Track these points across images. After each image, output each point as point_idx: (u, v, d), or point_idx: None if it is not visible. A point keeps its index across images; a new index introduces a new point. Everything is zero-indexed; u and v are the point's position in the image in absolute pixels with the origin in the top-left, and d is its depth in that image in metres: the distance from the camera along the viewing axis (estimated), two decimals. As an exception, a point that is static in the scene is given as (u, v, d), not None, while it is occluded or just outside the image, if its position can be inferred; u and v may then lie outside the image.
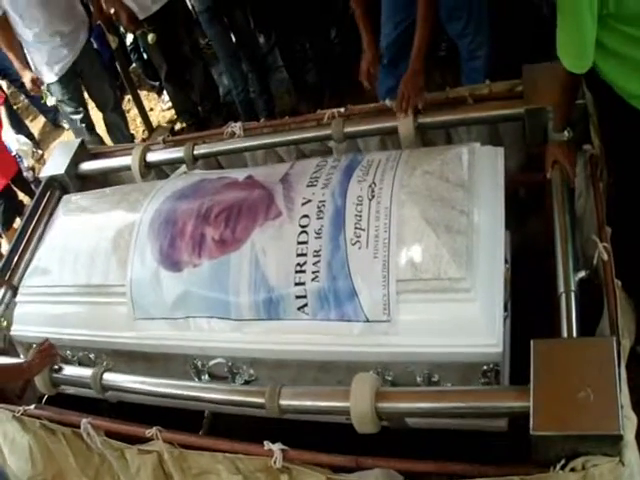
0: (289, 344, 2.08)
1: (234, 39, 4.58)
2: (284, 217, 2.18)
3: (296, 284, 2.05)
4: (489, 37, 3.41)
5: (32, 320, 2.60)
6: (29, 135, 5.57)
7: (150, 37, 4.50)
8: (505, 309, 1.90)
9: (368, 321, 1.94)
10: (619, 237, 1.97)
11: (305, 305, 2.04)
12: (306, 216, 2.13)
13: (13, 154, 4.58)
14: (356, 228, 2.03)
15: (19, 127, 5.27)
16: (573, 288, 1.84)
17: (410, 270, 1.90)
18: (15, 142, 4.54)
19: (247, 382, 2.26)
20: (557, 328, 1.81)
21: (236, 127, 2.89)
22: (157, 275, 2.33)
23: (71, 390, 2.59)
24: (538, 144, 2.33)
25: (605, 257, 1.86)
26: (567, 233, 1.96)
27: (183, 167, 2.95)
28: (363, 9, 3.08)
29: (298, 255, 2.08)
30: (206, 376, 2.33)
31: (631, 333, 1.93)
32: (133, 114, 5.43)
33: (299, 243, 2.09)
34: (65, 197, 2.98)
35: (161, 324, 2.32)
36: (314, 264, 2.04)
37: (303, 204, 2.17)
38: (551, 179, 2.16)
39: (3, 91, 4.98)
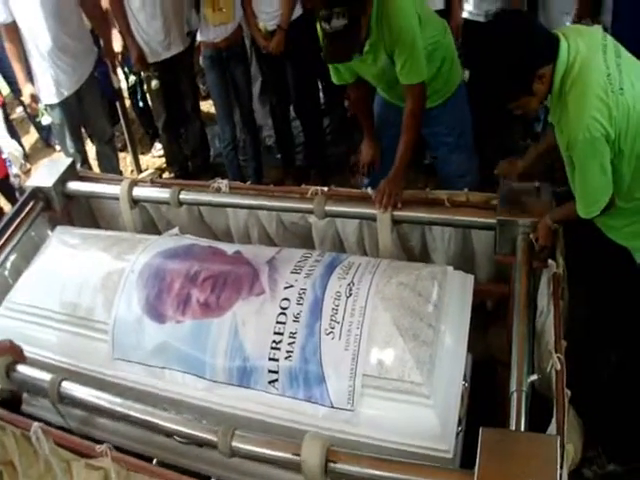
0: (256, 413, 2.25)
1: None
2: (267, 295, 2.39)
3: (270, 359, 2.26)
4: (476, 163, 3.50)
5: (11, 335, 2.63)
6: (20, 146, 5.53)
7: (154, 83, 4.57)
8: (459, 424, 2.09)
9: (333, 407, 2.14)
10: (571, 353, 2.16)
11: (276, 380, 2.24)
12: (287, 299, 2.35)
13: (4, 157, 4.62)
14: (331, 320, 2.24)
15: (11, 135, 5.27)
16: (524, 388, 1.99)
17: (376, 367, 2.12)
18: (8, 145, 4.57)
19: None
20: (506, 421, 1.93)
21: (223, 183, 3.04)
22: (141, 321, 2.50)
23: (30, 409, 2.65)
24: (506, 254, 2.52)
25: (558, 367, 2.01)
26: (524, 340, 2.13)
27: (176, 229, 3.08)
28: (363, 111, 3.34)
29: (275, 333, 2.28)
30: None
31: (577, 449, 2.07)
32: (123, 154, 5.46)
33: (277, 322, 2.30)
34: (60, 228, 3.12)
35: (137, 368, 2.48)
36: (289, 344, 2.25)
37: (285, 288, 2.39)
38: (513, 293, 2.33)
39: (1, 96, 5.00)
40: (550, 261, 2.36)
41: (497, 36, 2.20)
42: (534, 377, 2.04)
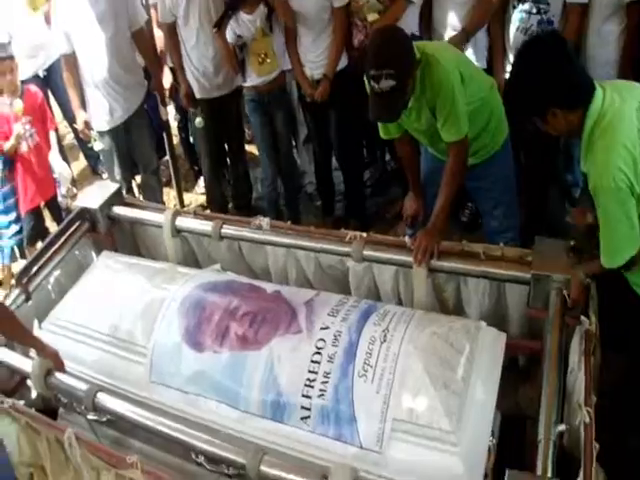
0: (286, 448, 2.33)
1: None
2: (303, 335, 2.50)
3: (303, 396, 2.35)
4: (518, 221, 3.51)
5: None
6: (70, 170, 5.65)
7: (197, 120, 4.62)
8: (485, 477, 2.13)
9: (362, 447, 2.22)
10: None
11: (308, 417, 2.33)
12: (323, 340, 2.45)
13: (55, 176, 4.72)
14: (365, 363, 2.34)
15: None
16: (552, 437, 2.02)
17: (406, 412, 2.20)
18: (59, 166, 4.66)
19: (238, 475, 2.32)
20: (533, 471, 1.97)
21: (264, 221, 3.12)
22: (179, 348, 2.62)
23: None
24: (539, 309, 2.56)
25: (587, 420, 2.04)
26: (554, 392, 2.16)
27: (218, 265, 3.20)
28: (409, 165, 3.42)
29: (309, 372, 2.38)
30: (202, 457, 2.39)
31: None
32: (167, 189, 5.45)
33: (312, 362, 2.40)
34: (105, 252, 3.27)
35: (173, 393, 2.59)
36: (322, 383, 2.34)
37: (322, 329, 2.50)
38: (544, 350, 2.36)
39: (56, 121, 5.14)
40: (582, 317, 2.39)
41: (530, 54, 2.31)
42: (562, 427, 2.07)
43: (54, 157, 4.63)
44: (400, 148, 3.39)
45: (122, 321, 2.78)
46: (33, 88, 4.57)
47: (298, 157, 5.18)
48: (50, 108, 4.91)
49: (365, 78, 2.82)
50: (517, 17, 3.73)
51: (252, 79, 4.35)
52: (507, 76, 3.78)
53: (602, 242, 2.28)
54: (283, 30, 4.22)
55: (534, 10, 3.64)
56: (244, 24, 4.14)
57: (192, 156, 5.56)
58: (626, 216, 2.16)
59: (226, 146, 5.01)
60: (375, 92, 2.76)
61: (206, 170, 5.03)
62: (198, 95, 4.63)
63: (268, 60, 4.26)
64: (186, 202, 5.32)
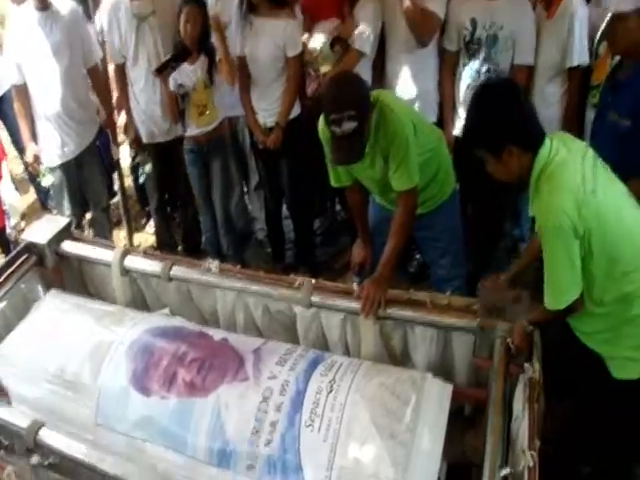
0: None
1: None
2: (250, 382, 2.52)
3: (249, 444, 2.36)
4: (465, 270, 3.57)
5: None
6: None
7: (147, 167, 4.61)
8: None
9: (308, 495, 2.24)
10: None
11: (254, 466, 2.33)
12: (270, 389, 2.47)
13: (4, 207, 4.64)
14: (312, 413, 2.37)
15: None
16: None
17: (353, 462, 2.24)
18: (10, 197, 4.59)
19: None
20: None
21: (213, 264, 3.11)
22: (126, 392, 2.61)
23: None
24: (485, 358, 2.59)
25: (531, 463, 2.05)
26: (498, 438, 2.19)
27: (167, 310, 3.19)
28: (358, 213, 3.46)
29: (256, 420, 2.40)
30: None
31: None
32: (117, 229, 5.37)
33: (259, 410, 2.42)
34: (53, 291, 3.23)
35: (119, 438, 2.57)
36: (269, 433, 2.37)
37: (269, 378, 2.52)
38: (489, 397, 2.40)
39: (5, 153, 5.07)
40: (526, 365, 2.41)
41: (489, 92, 2.41)
42: (506, 471, 2.09)
43: (4, 187, 4.57)
44: (350, 196, 3.43)
45: (69, 362, 2.75)
46: None
47: (249, 203, 5.19)
48: (0, 139, 4.84)
49: (325, 123, 2.87)
50: (467, 75, 3.87)
51: (191, 129, 4.34)
52: (456, 132, 3.97)
53: (546, 284, 2.34)
54: (224, 81, 4.20)
55: (484, 69, 3.78)
56: (185, 74, 4.14)
57: (143, 197, 5.48)
58: (569, 258, 2.24)
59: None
60: (337, 136, 2.80)
61: (155, 213, 5.00)
62: (145, 140, 4.60)
63: (207, 112, 4.27)
64: (136, 243, 5.23)
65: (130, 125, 4.58)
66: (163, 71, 4.11)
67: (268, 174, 4.60)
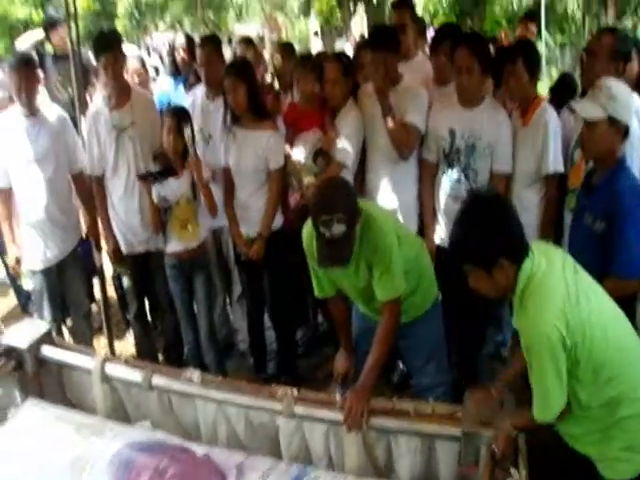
0: None
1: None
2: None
3: None
4: (449, 376, 3.54)
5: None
6: None
7: (125, 282, 4.63)
8: None
9: None
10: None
11: None
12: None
13: None
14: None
15: None
16: None
17: None
18: None
19: None
20: None
21: (195, 374, 3.08)
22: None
23: None
24: (470, 466, 2.53)
25: None
26: None
27: (148, 422, 3.12)
28: (341, 323, 3.45)
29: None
30: None
31: None
32: (98, 336, 5.22)
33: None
34: (31, 400, 3.14)
35: None
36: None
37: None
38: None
39: None
40: (512, 470, 2.39)
41: (479, 207, 2.42)
42: None
43: None
44: (333, 307, 3.43)
45: (47, 476, 2.67)
46: None
47: (231, 313, 5.16)
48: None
49: (313, 226, 2.88)
50: (446, 185, 3.95)
51: (173, 245, 4.28)
52: (437, 240, 4.03)
53: (536, 397, 2.34)
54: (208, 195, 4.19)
55: (463, 178, 3.88)
56: (169, 187, 4.14)
57: (124, 305, 5.38)
58: (558, 371, 2.24)
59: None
60: (325, 238, 2.82)
61: (134, 322, 4.92)
62: (124, 250, 4.57)
63: (190, 227, 4.23)
64: (117, 351, 5.09)
65: (109, 236, 4.56)
66: (147, 179, 4.14)
67: (250, 285, 4.59)
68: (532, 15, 7.44)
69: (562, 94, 4.44)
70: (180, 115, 4.14)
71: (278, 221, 4.34)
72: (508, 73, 3.81)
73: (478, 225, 2.35)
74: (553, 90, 4.78)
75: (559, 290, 2.28)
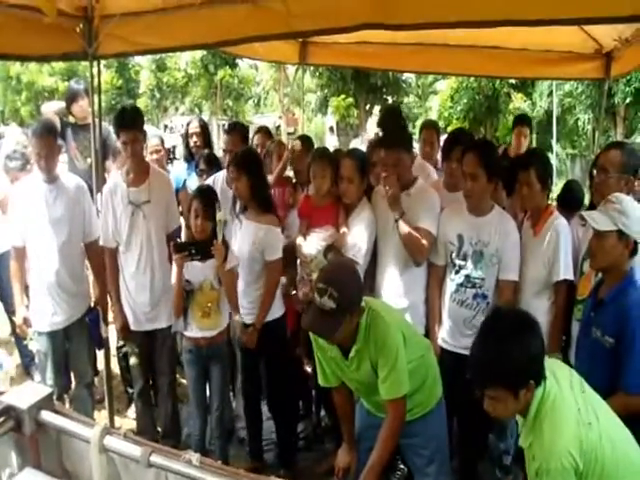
0: None
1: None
2: None
3: None
4: (451, 479, 3.55)
5: None
6: None
7: (132, 360, 4.63)
8: None
9: None
10: None
11: None
12: None
13: None
14: None
15: None
16: None
17: None
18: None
19: None
20: None
21: (194, 457, 3.01)
22: None
23: None
24: None
25: None
26: None
27: None
28: (344, 416, 3.47)
29: None
30: None
31: None
32: (99, 409, 5.25)
33: None
34: (28, 470, 3.11)
35: None
36: None
37: None
38: None
39: None
40: None
41: (509, 326, 2.37)
42: None
43: None
44: (337, 397, 3.44)
45: None
46: None
47: (234, 400, 5.14)
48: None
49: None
50: (452, 289, 4.00)
51: (192, 330, 4.26)
52: (440, 342, 4.05)
53: None
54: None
55: (469, 284, 3.92)
56: (194, 270, 4.16)
57: (128, 379, 5.38)
58: None
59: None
60: (316, 304, 2.88)
61: (137, 399, 4.86)
62: (133, 327, 4.56)
63: (212, 315, 4.23)
64: (117, 425, 5.04)
65: (118, 312, 4.57)
66: (181, 251, 4.09)
67: (247, 371, 4.57)
68: (524, 119, 7.20)
69: (568, 202, 4.57)
70: (208, 197, 4.20)
71: (278, 311, 4.38)
72: (520, 182, 3.90)
73: (513, 346, 2.31)
74: (559, 198, 4.85)
75: (572, 413, 2.29)
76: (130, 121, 4.36)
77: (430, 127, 6.01)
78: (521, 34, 4.79)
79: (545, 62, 5.93)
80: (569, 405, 2.31)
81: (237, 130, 5.06)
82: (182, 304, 4.21)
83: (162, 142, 6.07)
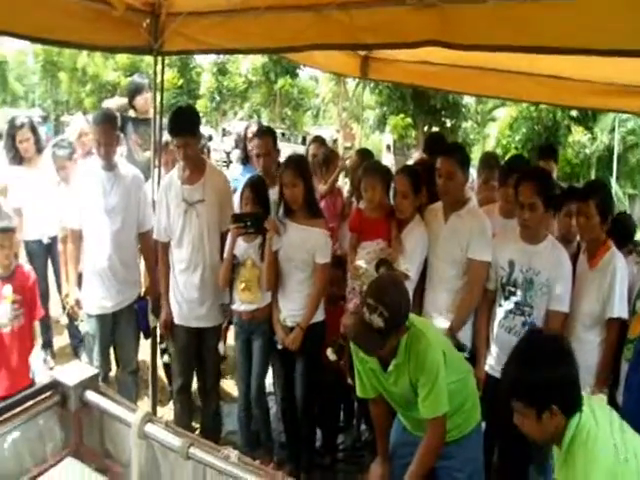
0: None
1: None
2: None
3: None
4: None
5: None
6: (49, 342, 5.67)
7: (165, 358, 4.72)
8: None
9: None
10: None
11: None
12: None
13: (32, 369, 4.40)
14: None
15: (45, 331, 5.35)
16: None
17: None
18: (41, 363, 4.44)
19: None
20: None
21: (233, 453, 2.99)
22: None
23: None
24: None
25: None
26: None
27: None
28: (380, 429, 3.47)
29: None
30: None
31: None
32: (143, 392, 5.29)
33: None
34: (69, 460, 3.19)
35: None
36: None
37: None
38: None
39: (46, 308, 5.05)
40: None
41: (539, 347, 2.39)
42: None
43: (35, 356, 4.42)
44: (374, 409, 3.45)
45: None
46: (26, 267, 4.51)
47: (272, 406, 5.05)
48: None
49: (361, 303, 2.97)
50: (501, 315, 3.95)
51: (236, 303, 4.43)
52: (487, 368, 3.99)
53: None
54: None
55: (518, 311, 3.87)
56: (240, 247, 4.32)
57: (170, 374, 5.35)
58: None
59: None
60: (364, 320, 2.88)
61: (176, 397, 4.84)
62: (177, 320, 4.57)
63: (252, 290, 4.35)
64: (159, 415, 4.79)
65: (165, 305, 4.60)
66: (238, 222, 4.23)
67: (282, 374, 4.59)
68: (549, 150, 6.51)
69: (618, 234, 4.34)
70: (259, 186, 4.33)
71: (319, 315, 4.38)
72: (578, 212, 3.88)
73: (536, 366, 2.34)
74: (609, 231, 4.78)
75: (608, 448, 2.25)
76: (181, 126, 4.35)
77: (492, 164, 5.23)
78: (585, 64, 4.70)
79: (608, 93, 5.81)
80: (605, 439, 2.27)
81: (268, 134, 4.94)
82: (229, 275, 4.38)
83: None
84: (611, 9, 3.00)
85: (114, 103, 6.61)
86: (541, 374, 2.31)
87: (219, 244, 4.49)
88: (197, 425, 5.04)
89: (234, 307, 4.48)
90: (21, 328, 4.28)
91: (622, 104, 6.02)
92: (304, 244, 4.24)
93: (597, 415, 2.36)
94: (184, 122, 4.38)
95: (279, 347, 4.41)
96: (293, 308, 4.35)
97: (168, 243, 4.56)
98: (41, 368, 4.42)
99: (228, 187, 4.75)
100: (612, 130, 22.26)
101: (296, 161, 4.42)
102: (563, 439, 2.31)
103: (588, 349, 3.75)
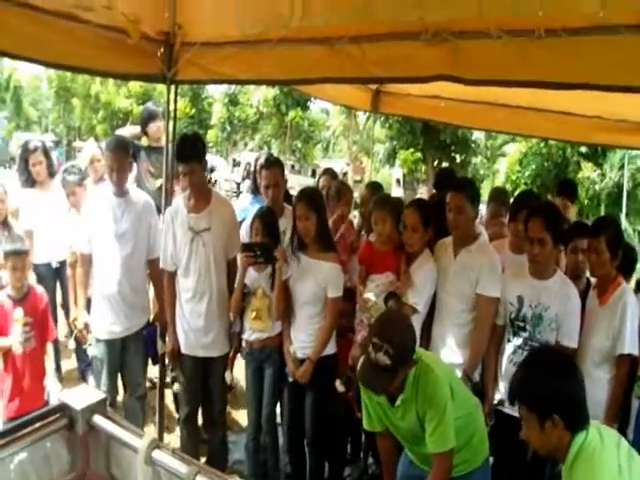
0: None
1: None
2: None
3: None
4: None
5: None
6: (57, 366, 5.54)
7: (176, 386, 4.65)
8: None
9: None
10: None
11: None
12: None
13: (47, 391, 4.44)
14: None
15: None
16: None
17: None
18: (54, 384, 4.49)
19: None
20: None
21: None
22: None
23: None
24: None
25: None
26: None
27: None
28: (387, 462, 3.46)
29: None
30: None
31: None
32: (150, 419, 5.23)
33: None
34: None
35: None
36: None
37: None
38: None
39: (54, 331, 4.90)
40: None
41: (549, 358, 2.47)
42: None
43: (49, 379, 4.47)
44: (381, 443, 3.44)
45: None
46: (39, 289, 4.55)
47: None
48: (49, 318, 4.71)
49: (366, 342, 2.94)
50: (510, 350, 3.94)
51: (247, 333, 4.45)
52: (495, 403, 3.95)
53: None
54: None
55: (527, 347, 3.84)
56: (250, 276, 4.33)
57: (177, 401, 5.34)
58: None
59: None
60: (370, 359, 2.88)
61: (183, 425, 4.81)
62: (184, 349, 4.55)
63: (262, 319, 4.35)
64: (165, 441, 4.97)
65: (171, 333, 4.57)
66: (247, 251, 4.22)
67: (291, 406, 4.53)
68: (567, 188, 6.27)
69: (624, 266, 4.33)
70: (269, 217, 4.34)
71: (331, 348, 4.36)
72: (589, 248, 3.88)
73: (542, 373, 2.40)
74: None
75: (612, 467, 2.24)
76: (187, 153, 4.36)
77: (501, 199, 5.24)
78: (594, 101, 4.74)
79: (619, 130, 5.84)
80: (610, 459, 2.27)
81: (276, 165, 4.93)
82: (240, 305, 4.39)
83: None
84: (621, 46, 3.03)
85: (127, 131, 6.68)
86: (546, 381, 2.37)
87: (225, 273, 4.49)
88: (203, 454, 4.97)
89: (245, 336, 4.49)
90: (33, 350, 4.30)
91: (632, 141, 6.05)
92: (316, 277, 4.23)
93: (604, 437, 2.36)
94: (189, 149, 4.40)
95: (290, 380, 4.39)
96: (304, 340, 4.33)
97: (175, 272, 4.55)
98: (56, 390, 4.42)
99: (234, 215, 4.74)
100: (621, 167, 22.32)
101: (309, 194, 4.40)
102: (567, 455, 2.32)
103: (598, 386, 3.71)
